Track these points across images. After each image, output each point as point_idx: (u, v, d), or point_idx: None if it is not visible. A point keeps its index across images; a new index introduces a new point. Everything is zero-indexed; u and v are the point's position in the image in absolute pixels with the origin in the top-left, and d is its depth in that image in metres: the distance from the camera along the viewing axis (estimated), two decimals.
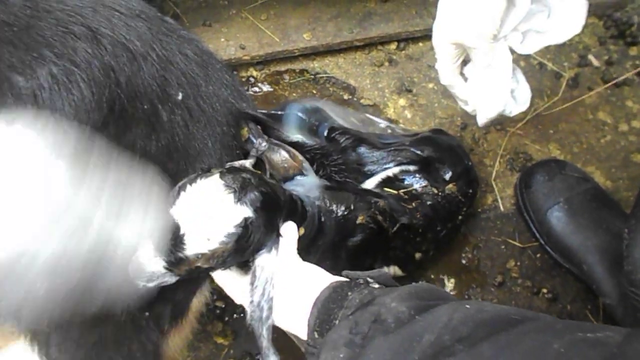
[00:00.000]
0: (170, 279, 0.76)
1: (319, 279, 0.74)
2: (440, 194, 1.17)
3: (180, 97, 0.85)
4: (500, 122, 1.41)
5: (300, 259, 0.80)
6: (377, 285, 0.70)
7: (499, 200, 1.32)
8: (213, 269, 0.77)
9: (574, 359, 0.48)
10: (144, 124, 0.82)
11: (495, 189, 1.33)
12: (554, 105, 1.45)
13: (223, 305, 1.17)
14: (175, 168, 0.84)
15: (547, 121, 1.43)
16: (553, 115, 1.44)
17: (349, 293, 0.68)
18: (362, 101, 1.44)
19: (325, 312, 0.68)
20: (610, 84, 1.44)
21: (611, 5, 1.57)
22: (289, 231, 0.81)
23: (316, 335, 0.68)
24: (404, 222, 1.07)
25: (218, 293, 1.19)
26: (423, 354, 0.54)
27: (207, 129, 0.90)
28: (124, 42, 0.83)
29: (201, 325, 1.15)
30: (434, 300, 0.64)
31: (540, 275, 1.25)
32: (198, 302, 1.01)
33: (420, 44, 1.52)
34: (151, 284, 0.75)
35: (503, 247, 1.28)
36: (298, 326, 0.72)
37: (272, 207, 0.79)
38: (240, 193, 0.74)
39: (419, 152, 1.21)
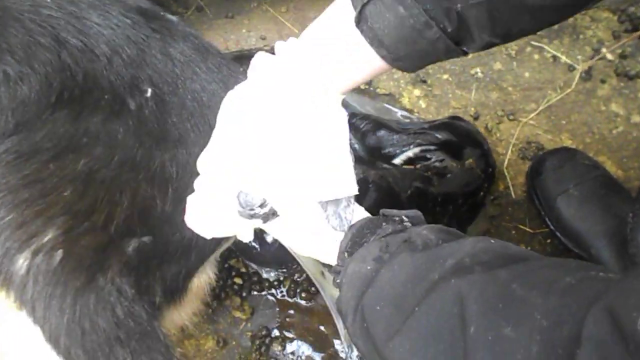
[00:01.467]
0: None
1: (358, 212, 0.76)
2: (458, 167, 1.19)
3: (149, 93, 0.89)
4: (513, 113, 1.45)
5: None
6: (410, 224, 0.73)
7: (511, 187, 1.36)
8: None
9: (582, 289, 0.50)
10: (103, 112, 0.85)
11: (507, 176, 1.37)
12: (566, 97, 1.48)
13: (241, 282, 1.22)
14: (149, 153, 0.87)
15: (559, 112, 1.46)
16: (566, 106, 1.47)
17: (384, 224, 0.71)
18: (378, 90, 1.48)
19: (359, 236, 0.71)
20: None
21: (626, 0, 1.59)
22: None
23: (346, 256, 0.71)
24: (417, 186, 1.09)
25: (236, 270, 1.24)
26: (443, 273, 0.58)
27: (190, 121, 0.93)
28: (90, 48, 0.87)
29: (220, 300, 1.20)
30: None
31: None
32: (201, 281, 1.02)
33: None
34: (259, 215, 0.74)
35: (514, 232, 1.32)
36: (329, 252, 0.74)
37: None
38: None
39: (438, 136, 1.25)
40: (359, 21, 0.63)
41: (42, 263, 0.78)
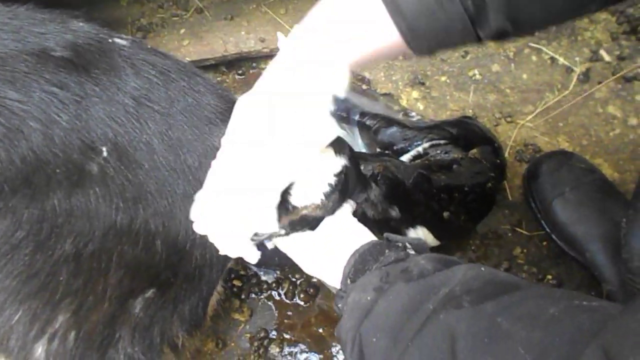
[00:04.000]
0: (278, 231, 0.81)
1: (363, 236, 0.80)
2: (462, 157, 1.20)
3: (105, 152, 0.82)
4: (511, 115, 1.46)
5: (353, 217, 0.85)
6: (413, 252, 0.75)
7: (507, 189, 1.37)
8: (318, 219, 0.82)
9: (565, 321, 0.52)
10: (61, 186, 0.79)
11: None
12: (564, 99, 1.48)
13: (240, 284, 1.24)
14: (127, 215, 0.82)
15: (557, 114, 1.47)
16: (563, 108, 1.48)
17: (387, 251, 0.73)
18: (378, 90, 1.49)
19: (361, 263, 0.73)
20: (617, 75, 1.48)
21: (624, 1, 1.59)
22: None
23: (349, 282, 0.73)
24: (421, 172, 1.09)
25: (235, 272, 1.26)
26: (436, 304, 0.59)
27: (165, 165, 0.86)
28: (15, 129, 0.78)
29: (219, 302, 1.22)
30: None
31: (546, 263, 1.29)
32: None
33: None
34: (260, 238, 0.80)
35: (510, 235, 1.33)
36: (333, 274, 0.77)
37: (357, 161, 0.87)
38: (338, 147, 0.82)
39: (451, 130, 1.25)
40: None
41: (59, 347, 0.79)
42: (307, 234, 0.83)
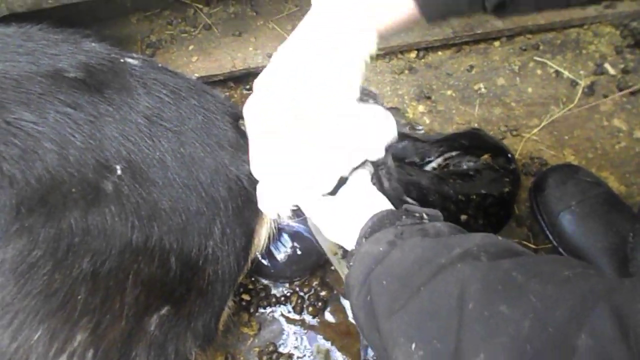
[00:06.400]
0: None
1: (382, 203, 0.81)
2: (477, 165, 1.21)
3: (119, 170, 0.83)
4: (516, 128, 1.47)
5: (372, 185, 0.87)
6: (428, 221, 0.77)
7: (514, 202, 1.37)
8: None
9: (579, 282, 0.54)
10: (77, 205, 0.80)
11: None
12: (569, 113, 1.49)
13: (249, 298, 1.24)
14: (143, 233, 0.83)
15: (562, 128, 1.48)
16: (568, 122, 1.49)
17: (404, 217, 0.75)
18: (384, 104, 1.51)
19: (378, 224, 0.74)
20: (622, 89, 1.49)
21: (628, 14, 1.60)
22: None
23: (363, 241, 0.74)
24: (435, 173, 1.11)
25: (244, 286, 1.27)
26: (450, 259, 0.61)
27: (177, 181, 0.87)
28: (31, 150, 0.80)
29: (229, 316, 1.23)
30: None
31: None
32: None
33: (439, 53, 1.58)
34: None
35: None
36: (352, 239, 0.78)
37: None
38: None
39: (463, 142, 1.26)
40: None
41: None
42: (330, 199, 0.83)
